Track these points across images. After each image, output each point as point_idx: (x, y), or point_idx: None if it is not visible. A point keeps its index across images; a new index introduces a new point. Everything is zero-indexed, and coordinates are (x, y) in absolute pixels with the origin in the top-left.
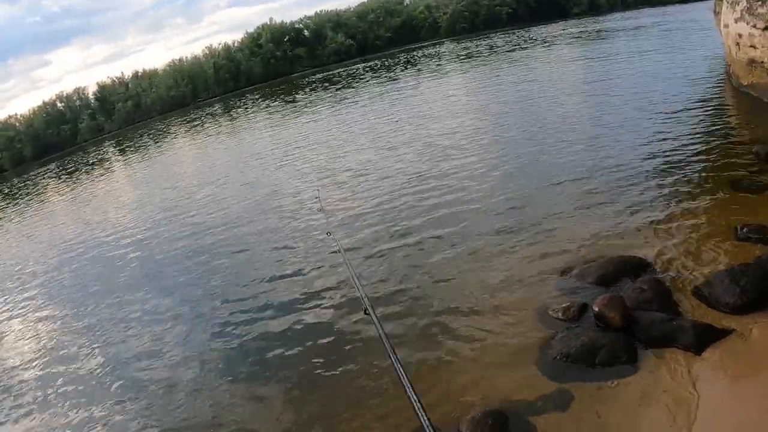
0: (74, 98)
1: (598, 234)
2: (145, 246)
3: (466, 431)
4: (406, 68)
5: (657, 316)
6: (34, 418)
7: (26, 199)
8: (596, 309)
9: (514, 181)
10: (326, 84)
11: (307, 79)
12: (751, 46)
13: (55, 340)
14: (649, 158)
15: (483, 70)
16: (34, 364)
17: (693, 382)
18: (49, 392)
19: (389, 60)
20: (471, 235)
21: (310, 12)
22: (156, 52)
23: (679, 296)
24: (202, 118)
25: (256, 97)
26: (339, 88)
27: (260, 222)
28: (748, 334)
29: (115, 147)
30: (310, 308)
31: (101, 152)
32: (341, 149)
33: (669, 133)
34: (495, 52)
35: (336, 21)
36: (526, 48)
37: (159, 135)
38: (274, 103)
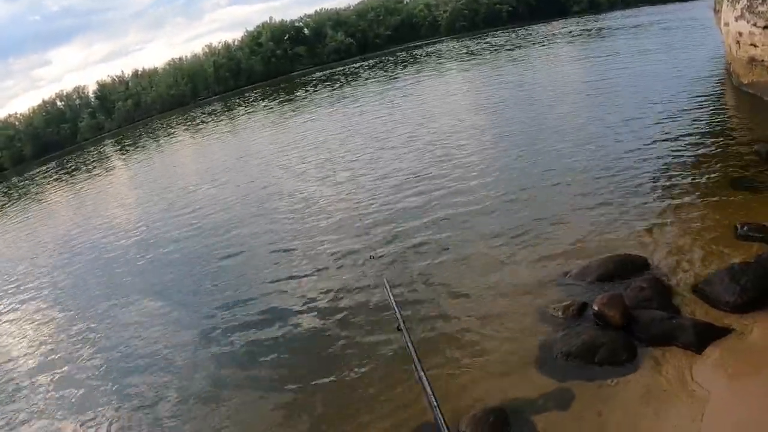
0: (74, 97)
1: (598, 233)
2: (146, 246)
3: (467, 429)
4: (406, 67)
5: (657, 315)
6: (30, 419)
7: (26, 198)
8: (596, 308)
9: (514, 181)
10: (326, 83)
11: (307, 78)
12: (751, 45)
13: (52, 339)
14: (649, 157)
15: (483, 69)
16: (30, 363)
17: (693, 381)
18: (45, 391)
19: (389, 58)
20: (471, 234)
21: (310, 10)
22: (156, 51)
23: (678, 295)
24: (202, 116)
25: (257, 95)
26: (339, 87)
27: (258, 223)
28: (748, 333)
29: (114, 146)
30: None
31: (101, 151)
32: (340, 148)
33: (668, 131)
34: (495, 50)
35: (336, 19)
36: (526, 46)
37: (159, 134)
38: (274, 102)
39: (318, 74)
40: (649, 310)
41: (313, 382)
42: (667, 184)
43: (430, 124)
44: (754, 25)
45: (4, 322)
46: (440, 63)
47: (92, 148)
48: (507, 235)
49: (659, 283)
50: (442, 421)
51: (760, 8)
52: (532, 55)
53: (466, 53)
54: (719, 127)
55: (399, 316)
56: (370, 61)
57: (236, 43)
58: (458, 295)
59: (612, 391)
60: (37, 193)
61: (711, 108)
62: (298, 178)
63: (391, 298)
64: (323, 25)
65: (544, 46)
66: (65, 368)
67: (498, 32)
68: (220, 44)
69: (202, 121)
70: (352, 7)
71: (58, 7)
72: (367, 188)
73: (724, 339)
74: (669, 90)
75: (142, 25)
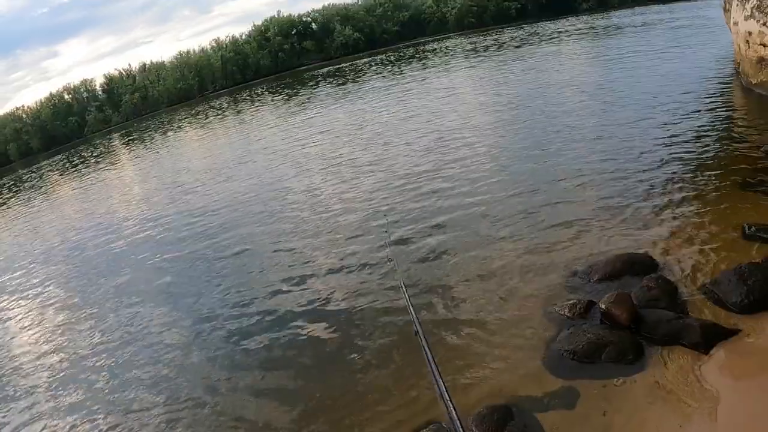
0: (82, 90)
1: (605, 231)
2: (151, 241)
3: (473, 426)
4: (414, 63)
5: (664, 315)
6: (35, 415)
7: (32, 191)
8: (603, 306)
9: (522, 179)
10: (333, 78)
11: (314, 73)
12: (761, 44)
13: (54, 333)
14: (656, 156)
15: (491, 66)
16: (31, 356)
17: (700, 382)
18: (48, 387)
19: (397, 54)
20: (478, 231)
21: (318, 5)
22: (164, 45)
23: (686, 294)
24: (210, 110)
25: (264, 90)
26: (346, 82)
27: (265, 219)
28: (756, 334)
29: (121, 139)
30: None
31: (108, 145)
32: (346, 145)
33: (676, 131)
34: (503, 47)
35: (344, 14)
36: (534, 44)
37: (166, 128)
38: (281, 97)
39: (325, 69)
40: (656, 310)
41: (324, 377)
42: (675, 183)
43: (437, 121)
44: (764, 24)
45: (8, 315)
46: (448, 59)
47: (99, 142)
48: (514, 232)
49: (667, 283)
50: (456, 416)
51: None
52: (540, 53)
53: (474, 50)
54: (727, 127)
55: (413, 314)
56: (378, 57)
57: (244, 37)
58: (463, 292)
59: (618, 391)
60: (43, 187)
61: (719, 108)
62: (305, 174)
63: (406, 295)
64: (331, 20)
65: (552, 43)
66: (66, 363)
67: (506, 29)
68: (228, 38)
69: (209, 115)
70: (360, 3)
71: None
72: (374, 187)
73: (732, 339)
74: (677, 89)
75: (150, 19)
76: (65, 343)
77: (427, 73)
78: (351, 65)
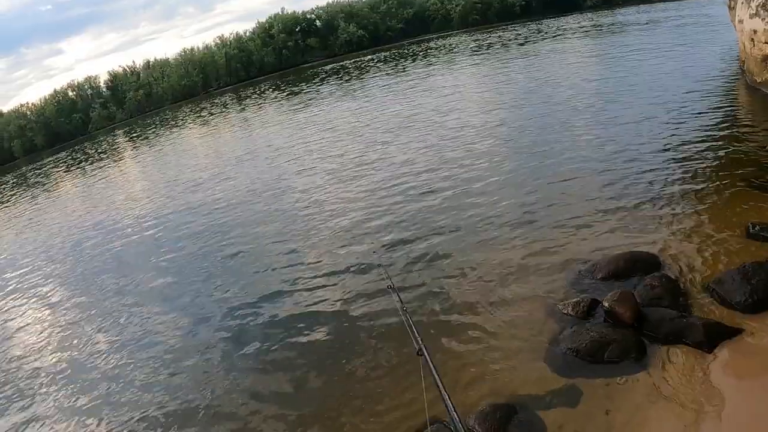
0: (86, 87)
1: (609, 230)
2: (154, 239)
3: (475, 425)
4: (418, 60)
5: (667, 313)
6: (37, 407)
7: (36, 188)
8: (606, 305)
9: (525, 177)
10: (337, 75)
11: (318, 70)
12: (765, 43)
13: (58, 332)
14: (660, 155)
15: (494, 64)
16: (35, 355)
17: (703, 381)
18: (47, 385)
19: (400, 51)
20: (481, 231)
21: (323, 2)
22: (168, 42)
23: (689, 293)
24: (213, 107)
25: (268, 87)
26: (349, 79)
27: (267, 218)
28: (759, 333)
29: (125, 136)
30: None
31: (112, 141)
32: (350, 143)
33: (681, 130)
34: (507, 45)
35: (348, 12)
36: (538, 41)
37: (170, 124)
38: (285, 94)
39: (329, 66)
40: (659, 309)
41: (322, 375)
42: (679, 182)
43: (440, 119)
44: None
45: (9, 311)
46: (452, 57)
47: (103, 139)
48: (518, 231)
49: (670, 282)
50: (456, 415)
51: None
52: (544, 50)
53: (478, 47)
54: (732, 126)
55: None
56: (382, 54)
57: (248, 34)
58: (467, 290)
59: (621, 390)
60: (47, 184)
61: (724, 106)
62: (307, 172)
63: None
64: (335, 17)
65: (556, 40)
66: (65, 362)
67: (510, 26)
68: (232, 35)
69: (213, 113)
70: (364, 0)
71: None
72: (376, 185)
73: (735, 339)
74: (681, 88)
75: (154, 16)
76: (65, 342)
77: (430, 71)
78: (355, 62)
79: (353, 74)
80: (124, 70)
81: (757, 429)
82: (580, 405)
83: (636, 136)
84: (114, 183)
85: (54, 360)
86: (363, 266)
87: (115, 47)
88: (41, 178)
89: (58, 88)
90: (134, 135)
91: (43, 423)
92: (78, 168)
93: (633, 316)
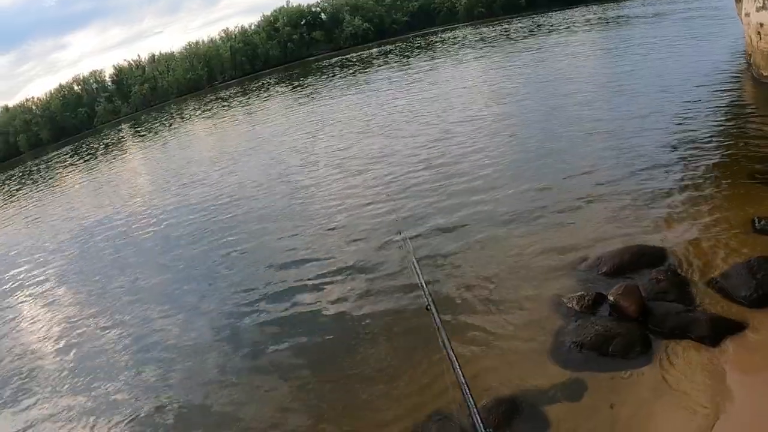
0: (91, 81)
1: (615, 223)
2: (162, 231)
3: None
4: (423, 53)
5: (672, 307)
6: (45, 400)
7: (41, 182)
8: (612, 298)
9: (531, 171)
10: (342, 68)
11: (323, 63)
12: None
13: (61, 327)
14: (666, 149)
15: (500, 57)
16: (40, 348)
17: (707, 376)
18: (57, 378)
19: (406, 44)
20: (486, 224)
21: None
22: (173, 35)
23: (695, 287)
24: (218, 101)
25: (273, 80)
26: (355, 73)
27: (275, 207)
28: (764, 328)
29: (130, 130)
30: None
31: (117, 135)
32: (354, 136)
33: (686, 123)
34: (512, 38)
35: (353, 4)
36: (543, 34)
37: (175, 118)
38: (290, 87)
39: (334, 59)
40: (664, 303)
41: (337, 358)
42: (685, 176)
43: (446, 113)
44: None
45: (14, 307)
46: (457, 50)
47: (108, 132)
48: (523, 224)
49: (675, 276)
50: (471, 400)
51: None
52: (549, 43)
53: (483, 40)
54: (738, 120)
55: (428, 295)
56: (387, 47)
57: (253, 27)
58: (472, 285)
59: (625, 384)
60: (52, 178)
61: (730, 100)
62: (312, 165)
63: (421, 278)
64: (340, 10)
65: (561, 33)
66: (72, 357)
67: (516, 19)
68: (237, 29)
69: (218, 106)
70: None
71: None
72: (382, 176)
73: (740, 333)
74: (688, 81)
75: (159, 9)
76: (67, 337)
77: (435, 64)
78: (360, 55)
79: (358, 67)
80: (129, 64)
81: (761, 424)
82: (585, 399)
83: (642, 129)
84: (119, 177)
85: (55, 356)
86: (369, 260)
87: (120, 41)
88: (46, 172)
89: (63, 82)
90: (139, 129)
91: (42, 420)
92: (83, 162)
93: (638, 310)
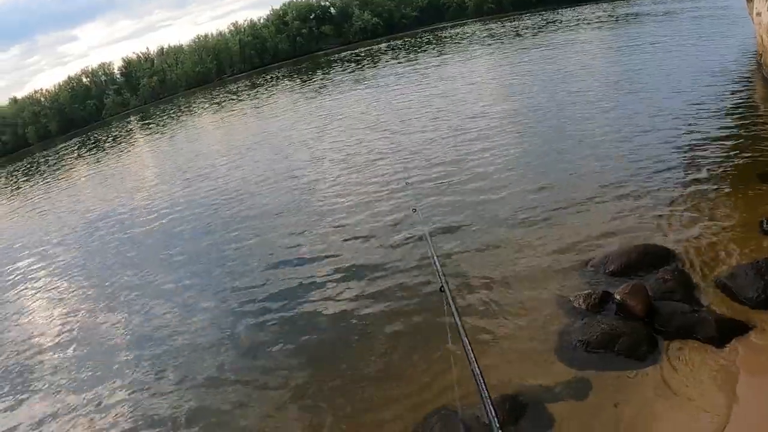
0: (100, 73)
1: (621, 222)
2: (168, 223)
3: (482, 415)
4: (431, 49)
5: (679, 307)
6: (43, 395)
7: (49, 173)
8: (618, 297)
9: (538, 168)
10: (351, 63)
11: (332, 57)
12: None
13: (67, 315)
14: (675, 148)
15: (509, 53)
16: (45, 338)
17: (713, 377)
18: (61, 368)
19: (415, 40)
20: (492, 221)
21: None
22: (181, 28)
23: (702, 288)
24: (227, 94)
25: (281, 74)
26: (363, 68)
27: (283, 199)
28: None
29: (139, 122)
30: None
31: (125, 128)
32: (362, 130)
33: (696, 123)
34: (521, 35)
35: None
36: (553, 31)
37: (183, 111)
38: (299, 81)
39: (343, 54)
40: (671, 302)
41: (339, 354)
42: (693, 176)
43: (453, 107)
44: None
45: (21, 299)
46: (465, 46)
47: (117, 125)
48: (528, 222)
49: (682, 275)
50: (485, 390)
51: None
52: (559, 40)
53: (492, 36)
54: (747, 120)
55: (441, 276)
56: (396, 42)
57: (262, 21)
58: (476, 282)
59: (630, 383)
60: (60, 170)
61: (740, 100)
62: (319, 161)
63: (436, 263)
64: (350, 4)
65: (571, 30)
66: (74, 348)
67: (525, 15)
68: (246, 22)
69: (227, 99)
70: None
71: None
72: (389, 173)
73: (747, 335)
74: (697, 81)
75: (168, 2)
76: (68, 331)
77: (444, 60)
78: (369, 50)
79: (367, 62)
80: (138, 56)
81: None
82: (589, 397)
83: (650, 129)
84: (126, 170)
85: (53, 350)
86: (377, 253)
87: (129, 34)
88: (54, 164)
89: (72, 74)
90: (148, 121)
91: (39, 416)
92: (91, 154)
93: (644, 310)
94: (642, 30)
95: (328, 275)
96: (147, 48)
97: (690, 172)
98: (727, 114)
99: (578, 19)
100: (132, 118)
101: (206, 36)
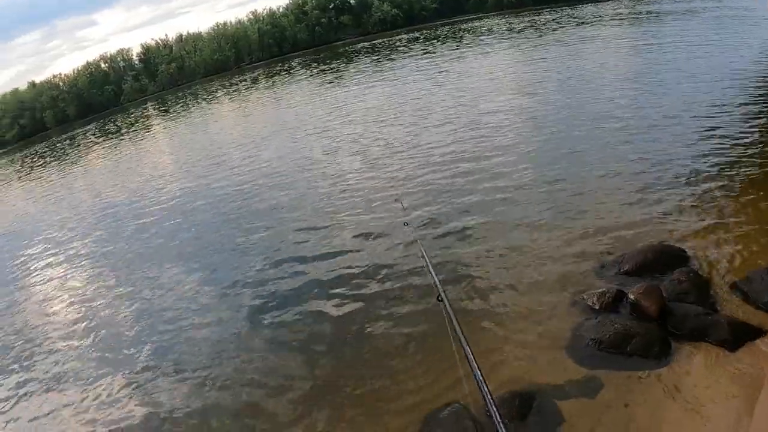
0: (118, 59)
1: (637, 222)
2: (181, 211)
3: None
4: (450, 42)
5: (693, 309)
6: (57, 382)
7: (65, 158)
8: (632, 297)
9: (554, 166)
10: (369, 54)
11: (350, 48)
12: None
13: (79, 300)
14: (694, 150)
15: (527, 49)
16: (59, 324)
17: (724, 380)
18: (75, 353)
19: (434, 32)
20: (506, 217)
21: None
22: (201, 15)
23: (716, 290)
24: (245, 82)
25: (299, 63)
26: (381, 59)
27: (294, 191)
28: None
29: (156, 109)
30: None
31: (143, 113)
32: (377, 122)
33: (717, 124)
34: (541, 30)
35: None
36: (572, 27)
37: (201, 98)
38: (316, 71)
39: (362, 45)
40: (685, 304)
41: (347, 348)
42: (712, 177)
43: (470, 102)
44: None
45: (35, 282)
46: (485, 40)
47: (134, 110)
48: (545, 218)
49: (698, 277)
50: (487, 392)
51: None
52: (578, 36)
53: (512, 30)
54: None
55: (438, 286)
56: (415, 34)
57: (281, 10)
58: (490, 278)
59: (641, 384)
60: (77, 154)
61: (760, 102)
62: (335, 151)
63: (431, 268)
64: None
65: (591, 27)
66: (88, 332)
67: (545, 10)
68: (265, 11)
69: (244, 87)
70: None
71: None
72: (402, 165)
73: (760, 339)
74: (718, 82)
75: None
76: (80, 317)
77: (462, 53)
78: (387, 42)
79: (385, 54)
80: (157, 43)
81: None
82: (600, 396)
83: (669, 128)
84: (142, 156)
85: (67, 336)
86: (386, 245)
87: (148, 20)
88: (71, 148)
89: (90, 59)
90: (165, 108)
91: (53, 400)
92: (108, 140)
93: (658, 311)
94: (663, 28)
95: (336, 273)
96: (166, 35)
97: (708, 174)
98: (748, 116)
99: (598, 16)
100: (149, 104)
101: (225, 24)
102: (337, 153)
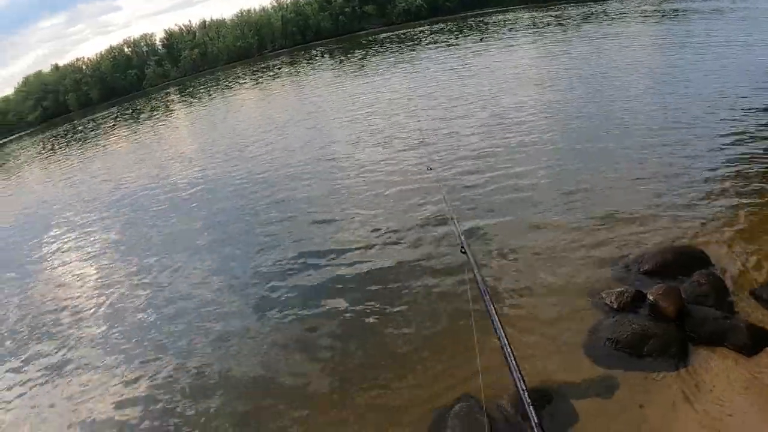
0: (141, 44)
1: (659, 222)
2: (200, 196)
3: (508, 406)
4: (474, 34)
5: (711, 313)
6: (72, 366)
7: (88, 140)
8: (651, 298)
9: (576, 163)
10: (392, 44)
11: (373, 38)
12: None
13: (98, 285)
14: (717, 151)
15: (551, 44)
16: (74, 308)
17: (740, 385)
18: (89, 340)
19: (458, 24)
20: (527, 214)
21: None
22: (224, 2)
23: (736, 295)
24: (267, 70)
25: (322, 52)
26: (404, 50)
27: (315, 179)
28: None
29: (178, 94)
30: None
31: (165, 98)
32: (398, 114)
33: (742, 126)
34: (565, 25)
35: None
36: (597, 22)
37: (222, 85)
38: (339, 60)
39: (385, 35)
40: (703, 307)
41: (366, 335)
42: (735, 181)
43: (492, 97)
44: None
45: (51, 265)
46: (509, 33)
47: (156, 95)
48: (565, 216)
49: (718, 281)
50: (517, 370)
51: None
52: (602, 33)
53: (536, 25)
54: None
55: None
56: (439, 25)
57: None
58: (507, 274)
59: (657, 385)
60: (98, 137)
61: None
62: (356, 141)
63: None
64: None
65: (615, 23)
66: (102, 319)
67: (570, 5)
68: None
69: (266, 75)
70: None
71: None
72: (425, 161)
73: None
74: (745, 84)
75: None
76: (99, 302)
77: (485, 46)
78: (411, 32)
79: (408, 44)
80: (180, 29)
81: None
82: (615, 396)
83: (694, 129)
84: (163, 142)
85: (81, 321)
86: (408, 237)
87: (171, 5)
88: (92, 131)
89: (114, 44)
90: (187, 93)
91: (57, 382)
92: (129, 124)
93: (676, 312)
94: (689, 27)
95: (356, 266)
96: (189, 20)
97: (732, 177)
98: None
99: (623, 12)
100: (171, 90)
101: (249, 11)
102: (359, 143)
